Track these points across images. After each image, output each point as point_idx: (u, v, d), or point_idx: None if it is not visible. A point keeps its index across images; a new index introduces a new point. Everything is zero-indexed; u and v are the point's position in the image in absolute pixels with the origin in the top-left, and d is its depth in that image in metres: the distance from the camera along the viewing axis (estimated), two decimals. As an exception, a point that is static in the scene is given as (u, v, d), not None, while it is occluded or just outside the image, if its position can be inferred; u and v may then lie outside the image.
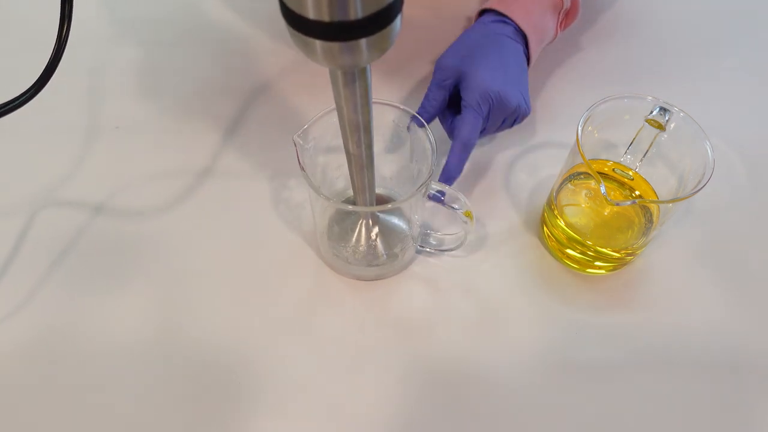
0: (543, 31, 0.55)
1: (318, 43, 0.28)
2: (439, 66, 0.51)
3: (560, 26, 0.57)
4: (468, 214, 0.44)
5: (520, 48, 0.53)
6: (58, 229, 0.52)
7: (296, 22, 0.27)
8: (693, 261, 0.51)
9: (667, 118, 0.45)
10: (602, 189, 0.42)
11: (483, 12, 0.55)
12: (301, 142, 0.45)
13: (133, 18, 0.68)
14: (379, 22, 0.27)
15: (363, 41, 0.28)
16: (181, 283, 0.49)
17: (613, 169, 0.51)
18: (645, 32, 0.67)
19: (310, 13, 0.26)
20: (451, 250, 0.50)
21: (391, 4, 0.27)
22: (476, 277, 0.50)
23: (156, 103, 0.60)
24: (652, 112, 0.45)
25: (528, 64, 0.54)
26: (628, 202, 0.44)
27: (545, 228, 0.51)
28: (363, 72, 0.32)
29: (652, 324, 0.48)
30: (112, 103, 0.60)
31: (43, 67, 0.38)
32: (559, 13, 0.56)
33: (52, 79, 0.39)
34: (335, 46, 0.28)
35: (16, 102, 0.38)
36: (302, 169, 0.43)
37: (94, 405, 0.44)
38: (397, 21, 0.29)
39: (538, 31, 0.54)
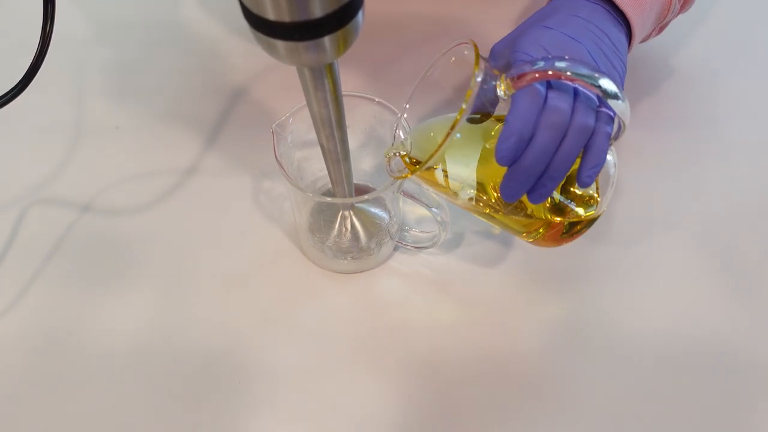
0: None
1: (280, 43, 0.28)
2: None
3: None
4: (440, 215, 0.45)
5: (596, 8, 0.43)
6: (44, 229, 0.52)
7: (258, 23, 0.27)
8: (693, 261, 0.50)
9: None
10: None
11: None
12: (280, 131, 0.45)
13: (113, 20, 0.69)
14: (340, 18, 0.27)
15: (326, 39, 0.28)
16: (166, 280, 0.49)
17: None
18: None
19: (270, 14, 0.26)
20: (427, 248, 0.50)
21: (352, 0, 0.27)
22: (455, 273, 0.50)
23: (139, 103, 0.61)
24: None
25: (631, 33, 0.44)
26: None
27: (483, 219, 0.46)
28: (330, 68, 0.32)
29: (649, 323, 0.47)
30: (97, 103, 0.61)
31: (27, 67, 0.38)
32: None
33: (37, 79, 0.39)
34: (298, 45, 0.28)
35: (1, 100, 0.38)
36: (277, 159, 0.44)
37: (81, 402, 0.44)
38: (359, 16, 0.28)
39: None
